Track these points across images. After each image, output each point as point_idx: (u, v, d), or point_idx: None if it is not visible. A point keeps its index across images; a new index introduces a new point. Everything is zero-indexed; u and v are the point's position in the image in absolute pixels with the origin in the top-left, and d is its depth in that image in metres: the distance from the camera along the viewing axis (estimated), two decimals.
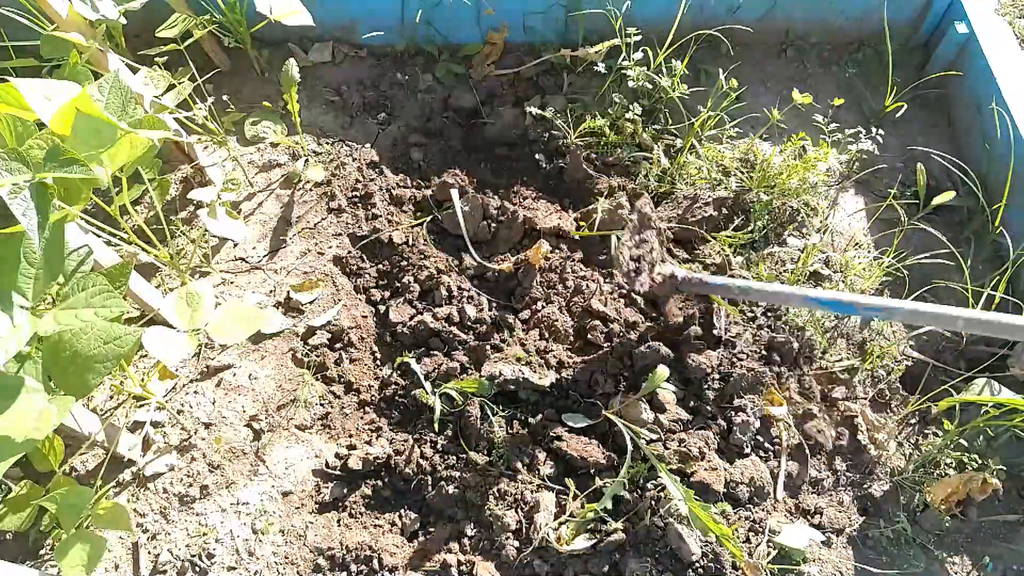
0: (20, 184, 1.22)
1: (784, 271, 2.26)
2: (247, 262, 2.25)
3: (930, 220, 2.36)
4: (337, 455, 1.96)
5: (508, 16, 2.68)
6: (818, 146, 2.40)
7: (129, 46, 2.47)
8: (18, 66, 2.23)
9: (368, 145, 2.57)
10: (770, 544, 1.80)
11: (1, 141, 1.36)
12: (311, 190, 2.40)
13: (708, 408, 1.97)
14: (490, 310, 2.19)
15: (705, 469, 1.84)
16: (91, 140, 1.34)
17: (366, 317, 2.23)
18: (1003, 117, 2.29)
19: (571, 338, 2.13)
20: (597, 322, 2.09)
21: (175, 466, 1.88)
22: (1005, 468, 1.90)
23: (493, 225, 2.34)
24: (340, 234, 2.34)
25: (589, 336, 2.09)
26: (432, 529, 1.86)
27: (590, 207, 2.35)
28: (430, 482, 1.89)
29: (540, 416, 1.96)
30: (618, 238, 2.08)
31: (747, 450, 1.92)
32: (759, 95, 2.70)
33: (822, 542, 1.84)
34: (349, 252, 2.31)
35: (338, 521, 1.86)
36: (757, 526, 1.84)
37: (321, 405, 2.04)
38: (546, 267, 2.24)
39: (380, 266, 2.32)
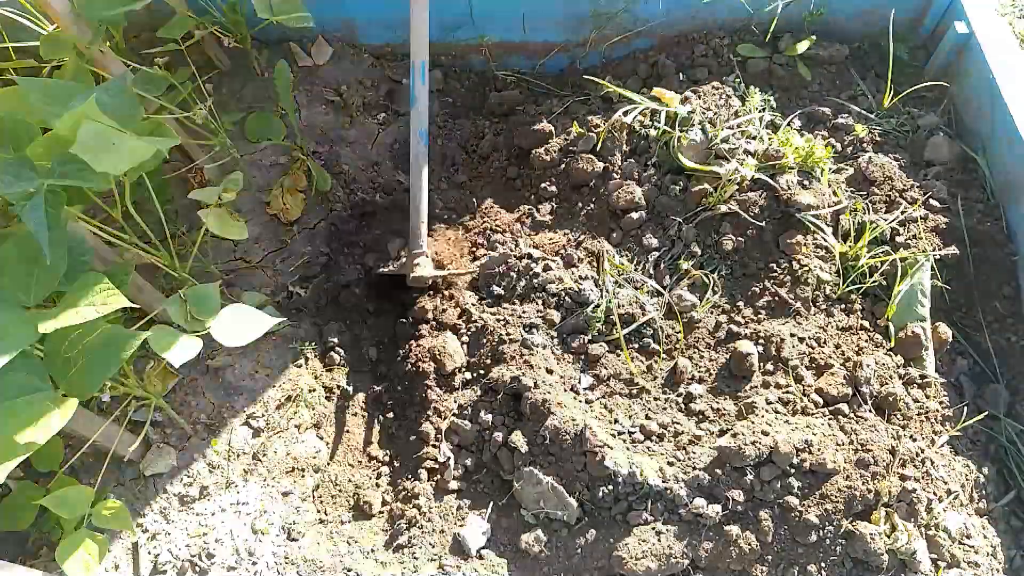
0: (30, 191, 1.22)
1: None
2: (247, 262, 2.25)
3: None
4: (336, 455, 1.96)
5: (508, 15, 2.69)
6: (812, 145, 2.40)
7: (129, 46, 2.47)
8: (18, 66, 2.23)
9: (368, 145, 2.57)
10: None
11: (8, 148, 1.36)
12: (311, 190, 2.40)
13: None
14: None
15: None
16: (97, 147, 1.34)
17: (367, 318, 2.23)
18: (1003, 117, 2.29)
19: None
20: None
21: (175, 466, 1.88)
22: None
23: None
24: (340, 234, 2.34)
25: None
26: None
27: None
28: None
29: None
30: None
31: None
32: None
33: None
34: (350, 252, 2.32)
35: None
36: None
37: (321, 404, 2.04)
38: None
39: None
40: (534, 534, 1.84)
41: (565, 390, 2.01)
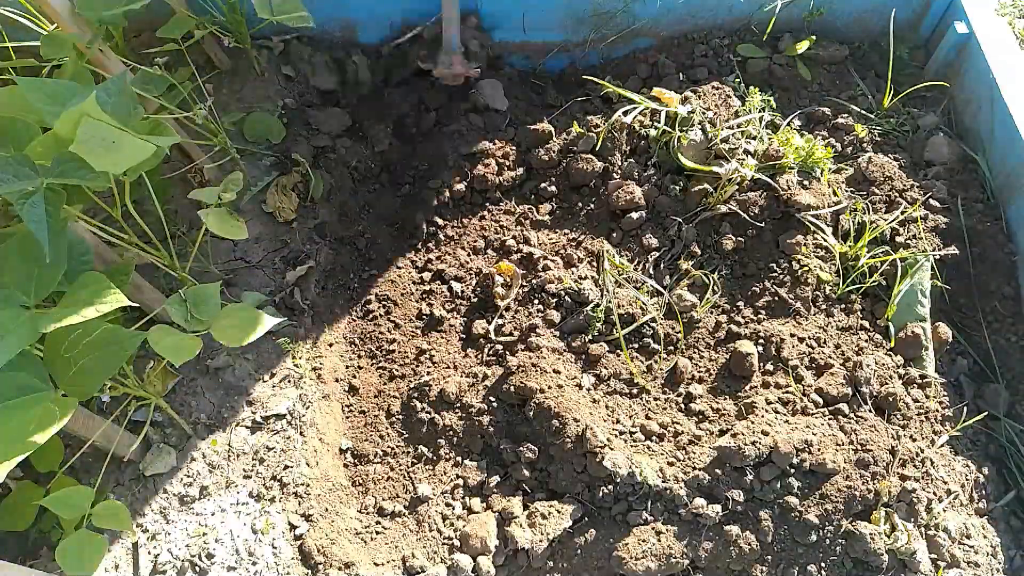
0: (30, 189, 1.22)
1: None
2: (247, 262, 2.25)
3: None
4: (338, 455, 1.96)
5: (508, 15, 2.69)
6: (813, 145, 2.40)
7: (129, 46, 2.46)
8: (18, 66, 2.23)
9: (368, 144, 2.57)
10: None
11: (8, 147, 1.36)
12: (311, 190, 2.40)
13: None
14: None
15: None
16: (97, 145, 1.34)
17: (364, 317, 2.23)
18: (1003, 117, 2.29)
19: None
20: None
21: (175, 466, 1.88)
22: None
23: None
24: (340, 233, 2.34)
25: None
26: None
27: None
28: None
29: None
30: None
31: None
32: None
33: None
34: (350, 251, 2.32)
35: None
36: None
37: (321, 403, 2.04)
38: None
39: (380, 265, 2.32)
40: (534, 534, 1.84)
41: (572, 388, 2.01)
